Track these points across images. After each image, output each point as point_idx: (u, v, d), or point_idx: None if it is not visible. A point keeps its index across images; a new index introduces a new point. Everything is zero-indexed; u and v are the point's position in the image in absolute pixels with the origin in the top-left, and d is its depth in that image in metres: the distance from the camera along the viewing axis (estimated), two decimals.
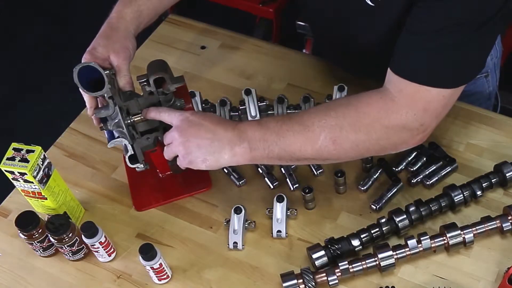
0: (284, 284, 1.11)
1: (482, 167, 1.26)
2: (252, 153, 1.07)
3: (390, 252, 1.12)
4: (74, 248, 1.19)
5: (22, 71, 2.87)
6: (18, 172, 1.13)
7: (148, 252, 1.11)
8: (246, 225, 1.22)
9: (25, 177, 1.13)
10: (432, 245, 1.14)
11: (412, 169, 1.26)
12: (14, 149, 1.14)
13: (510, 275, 1.03)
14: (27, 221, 1.17)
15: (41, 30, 3.01)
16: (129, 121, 1.13)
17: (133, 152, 1.15)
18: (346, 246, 1.15)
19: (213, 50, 1.56)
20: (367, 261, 1.13)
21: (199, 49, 1.56)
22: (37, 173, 1.14)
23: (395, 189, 1.23)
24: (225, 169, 1.30)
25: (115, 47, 1.14)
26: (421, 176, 1.25)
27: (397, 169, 1.26)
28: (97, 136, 1.39)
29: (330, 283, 1.12)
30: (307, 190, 1.21)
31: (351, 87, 1.32)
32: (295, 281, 1.11)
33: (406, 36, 1.04)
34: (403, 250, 1.13)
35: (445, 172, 1.25)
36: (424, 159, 1.27)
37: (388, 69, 1.06)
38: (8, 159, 1.13)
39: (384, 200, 1.22)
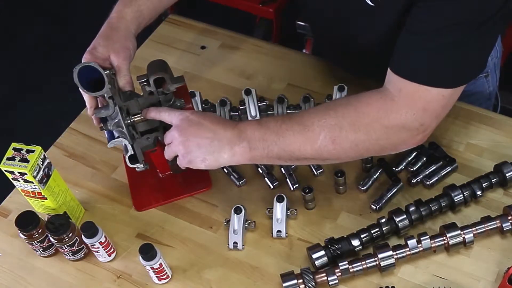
0: (284, 284, 1.11)
1: (482, 167, 1.26)
2: (252, 152, 1.07)
3: (390, 252, 1.12)
4: (74, 248, 1.19)
5: (22, 71, 2.87)
6: (18, 172, 1.13)
7: (148, 252, 1.11)
8: (246, 225, 1.22)
9: (25, 177, 1.13)
10: (432, 245, 1.14)
11: (412, 169, 1.26)
12: (14, 149, 1.14)
13: (510, 275, 1.03)
14: (27, 221, 1.17)
15: (41, 30, 3.01)
16: (129, 121, 1.13)
17: (133, 152, 1.15)
18: (346, 246, 1.15)
19: (213, 50, 1.55)
20: (367, 261, 1.13)
21: (199, 49, 1.56)
22: (37, 173, 1.14)
23: (395, 189, 1.23)
24: (225, 169, 1.30)
25: (115, 47, 1.13)
26: (421, 176, 1.25)
27: (397, 169, 1.26)
28: (97, 136, 1.39)
29: (330, 283, 1.12)
30: (307, 190, 1.21)
31: (351, 87, 1.32)
32: (295, 281, 1.11)
33: (406, 36, 1.04)
34: (403, 250, 1.13)
35: (445, 172, 1.25)
36: (424, 159, 1.27)
37: (388, 69, 1.06)
38: (8, 159, 1.13)
39: (384, 200, 1.22)
